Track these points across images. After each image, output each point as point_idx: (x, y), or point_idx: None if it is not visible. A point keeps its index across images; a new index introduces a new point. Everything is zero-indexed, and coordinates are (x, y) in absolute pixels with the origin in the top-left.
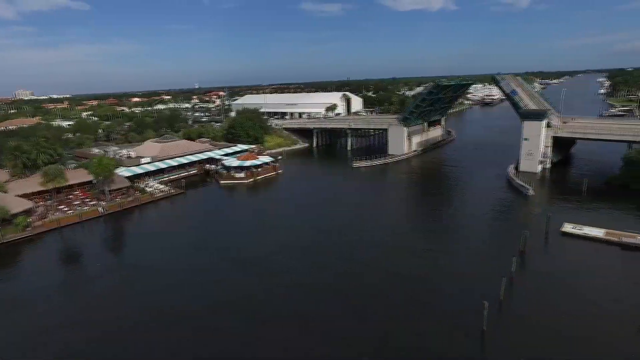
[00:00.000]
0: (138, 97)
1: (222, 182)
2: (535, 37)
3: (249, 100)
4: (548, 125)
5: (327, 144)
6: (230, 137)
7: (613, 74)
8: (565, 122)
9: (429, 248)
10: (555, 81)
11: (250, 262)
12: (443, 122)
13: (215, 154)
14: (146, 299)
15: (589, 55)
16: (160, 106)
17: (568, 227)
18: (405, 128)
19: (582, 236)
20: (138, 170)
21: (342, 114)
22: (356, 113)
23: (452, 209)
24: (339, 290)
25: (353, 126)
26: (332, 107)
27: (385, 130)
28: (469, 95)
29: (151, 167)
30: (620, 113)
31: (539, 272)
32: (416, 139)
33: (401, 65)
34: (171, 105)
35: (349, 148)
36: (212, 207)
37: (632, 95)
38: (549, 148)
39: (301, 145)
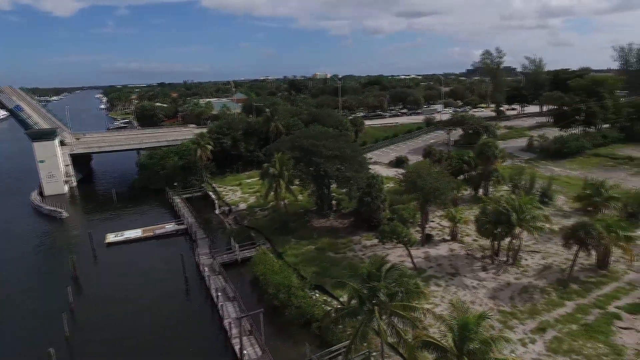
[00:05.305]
0: None
1: None
2: (23, 53)
3: None
4: (62, 144)
5: None
6: None
7: (107, 91)
8: (78, 139)
9: None
10: (55, 98)
11: None
12: None
13: None
14: None
15: (83, 73)
16: None
17: (111, 237)
18: None
19: (125, 241)
20: None
21: None
22: None
23: None
24: None
25: None
26: None
27: None
28: None
29: None
30: (123, 125)
31: (95, 290)
32: None
33: None
34: None
35: None
36: None
37: (127, 108)
38: (70, 166)
39: None
